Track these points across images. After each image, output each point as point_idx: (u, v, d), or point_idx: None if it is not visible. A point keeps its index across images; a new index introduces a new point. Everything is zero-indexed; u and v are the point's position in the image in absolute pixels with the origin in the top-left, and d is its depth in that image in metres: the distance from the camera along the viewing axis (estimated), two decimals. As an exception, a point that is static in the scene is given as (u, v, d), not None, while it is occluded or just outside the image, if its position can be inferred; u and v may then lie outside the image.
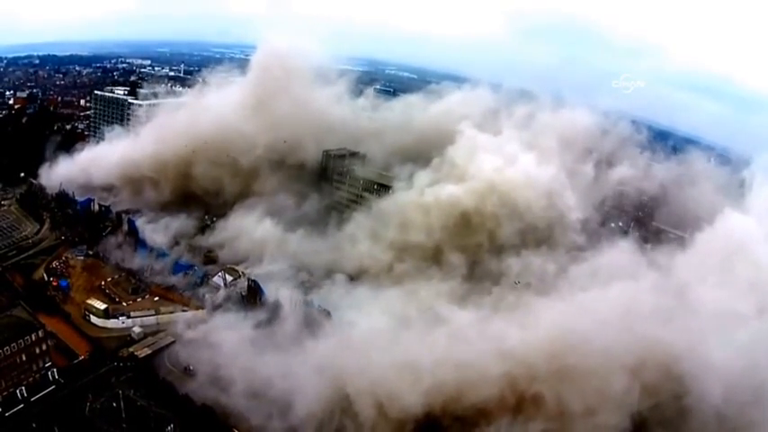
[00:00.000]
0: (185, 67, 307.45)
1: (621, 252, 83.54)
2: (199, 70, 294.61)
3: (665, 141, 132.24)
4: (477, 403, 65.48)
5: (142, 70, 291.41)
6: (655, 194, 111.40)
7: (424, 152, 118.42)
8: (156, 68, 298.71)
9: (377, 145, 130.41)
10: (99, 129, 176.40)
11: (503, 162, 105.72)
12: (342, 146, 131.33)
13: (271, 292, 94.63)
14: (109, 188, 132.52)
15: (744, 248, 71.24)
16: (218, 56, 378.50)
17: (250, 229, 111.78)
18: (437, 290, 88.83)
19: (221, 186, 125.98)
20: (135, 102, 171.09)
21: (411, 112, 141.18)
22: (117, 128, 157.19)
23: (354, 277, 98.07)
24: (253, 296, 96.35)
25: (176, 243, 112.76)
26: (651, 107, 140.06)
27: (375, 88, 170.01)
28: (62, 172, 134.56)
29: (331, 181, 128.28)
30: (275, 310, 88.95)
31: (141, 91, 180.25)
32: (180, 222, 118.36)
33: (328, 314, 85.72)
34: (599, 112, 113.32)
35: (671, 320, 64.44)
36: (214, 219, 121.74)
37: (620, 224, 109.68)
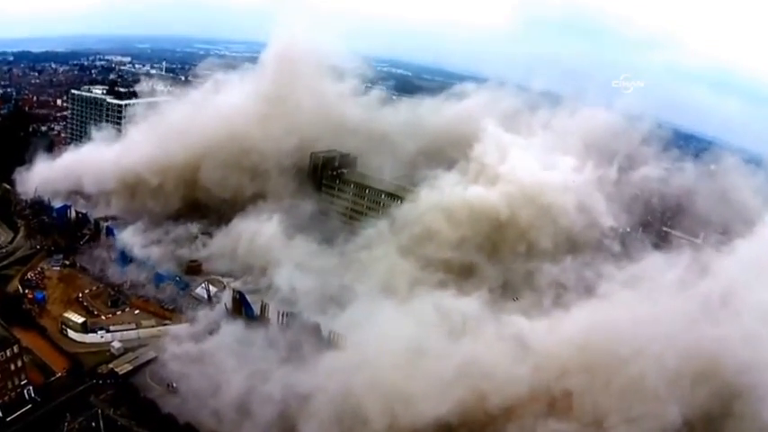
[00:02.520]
0: (167, 65, 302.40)
1: (659, 257, 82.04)
2: (182, 67, 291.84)
3: (689, 144, 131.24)
4: (501, 404, 63.22)
5: (122, 68, 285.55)
6: (671, 199, 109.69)
7: (442, 154, 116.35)
8: (136, 66, 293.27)
9: (392, 147, 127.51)
10: (76, 130, 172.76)
11: (537, 165, 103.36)
12: (357, 148, 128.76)
13: (256, 304, 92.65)
14: (90, 195, 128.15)
15: None
16: (201, 52, 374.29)
17: (254, 238, 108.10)
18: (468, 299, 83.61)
19: (233, 192, 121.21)
20: (114, 101, 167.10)
21: (424, 112, 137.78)
22: (103, 129, 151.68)
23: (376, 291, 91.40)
24: (238, 309, 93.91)
25: (165, 253, 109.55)
26: (672, 108, 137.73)
27: (367, 86, 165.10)
28: (39, 176, 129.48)
29: (320, 186, 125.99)
30: (262, 323, 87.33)
31: (138, 88, 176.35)
32: (176, 232, 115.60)
33: (318, 326, 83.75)
34: (619, 112, 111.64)
35: (715, 323, 62.14)
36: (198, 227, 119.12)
37: (628, 229, 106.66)
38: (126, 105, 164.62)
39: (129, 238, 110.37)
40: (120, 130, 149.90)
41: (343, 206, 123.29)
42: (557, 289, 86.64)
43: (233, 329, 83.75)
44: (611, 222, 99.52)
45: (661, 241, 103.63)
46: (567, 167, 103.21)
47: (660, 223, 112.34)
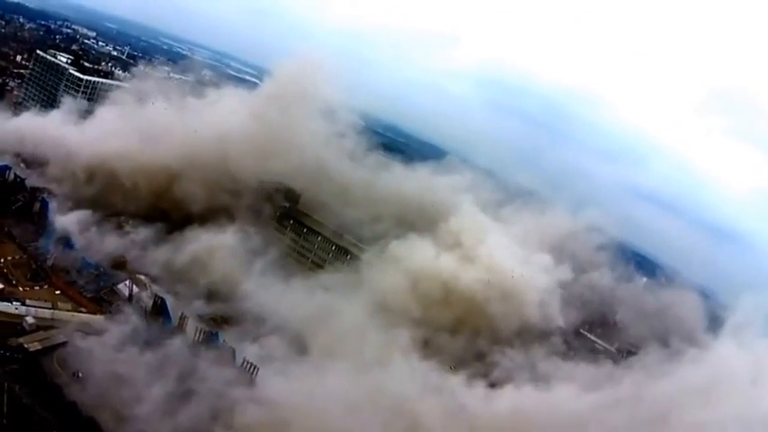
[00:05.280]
0: (129, 51, 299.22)
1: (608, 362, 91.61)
2: (142, 57, 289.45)
3: (631, 260, 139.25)
4: None
5: (86, 41, 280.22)
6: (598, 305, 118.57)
7: (404, 220, 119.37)
8: (100, 43, 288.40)
9: (354, 200, 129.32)
10: (31, 92, 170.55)
11: (515, 257, 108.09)
12: (330, 193, 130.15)
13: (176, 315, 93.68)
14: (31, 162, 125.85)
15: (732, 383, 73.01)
16: (165, 47, 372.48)
17: (204, 252, 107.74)
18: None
19: (202, 207, 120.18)
20: (76, 74, 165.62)
21: (395, 175, 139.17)
22: (65, 100, 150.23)
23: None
24: (156, 314, 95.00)
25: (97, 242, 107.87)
26: (624, 225, 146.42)
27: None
28: None
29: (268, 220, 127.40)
30: (179, 335, 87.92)
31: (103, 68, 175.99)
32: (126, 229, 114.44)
33: (233, 352, 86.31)
34: (581, 220, 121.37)
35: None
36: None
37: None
38: (88, 81, 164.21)
39: (70, 219, 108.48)
40: (88, 109, 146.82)
41: (291, 246, 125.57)
42: (503, 369, 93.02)
43: (149, 335, 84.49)
44: (560, 322, 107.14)
45: (576, 342, 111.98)
46: (541, 265, 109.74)
47: (577, 325, 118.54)
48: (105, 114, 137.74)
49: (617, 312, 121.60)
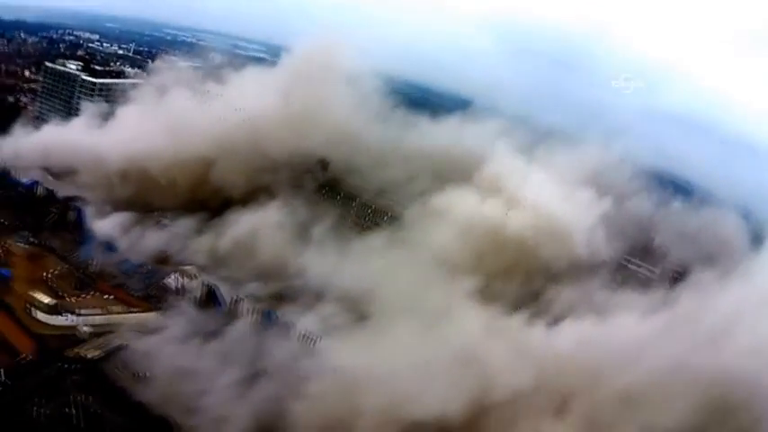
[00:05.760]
0: (135, 47, 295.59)
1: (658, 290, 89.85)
2: (149, 51, 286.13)
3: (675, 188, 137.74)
4: (503, 400, 65.17)
5: (90, 45, 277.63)
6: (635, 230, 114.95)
7: (443, 173, 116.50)
8: (104, 44, 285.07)
9: (394, 160, 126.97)
10: (46, 104, 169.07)
11: (558, 195, 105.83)
12: (363, 159, 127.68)
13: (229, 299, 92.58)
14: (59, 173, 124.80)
15: None
16: (168, 38, 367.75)
17: (247, 233, 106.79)
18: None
19: (240, 191, 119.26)
20: (88, 78, 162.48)
21: (421, 130, 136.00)
22: (84, 107, 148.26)
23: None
24: (208, 302, 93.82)
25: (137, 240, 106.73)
26: (650, 149, 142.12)
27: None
28: (9, 150, 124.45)
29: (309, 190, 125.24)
30: (234, 319, 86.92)
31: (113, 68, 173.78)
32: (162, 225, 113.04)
33: (291, 327, 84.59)
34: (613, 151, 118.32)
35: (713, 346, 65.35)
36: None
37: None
38: (102, 84, 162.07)
39: (107, 223, 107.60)
40: (108, 112, 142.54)
41: (333, 214, 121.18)
42: (559, 307, 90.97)
43: (205, 323, 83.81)
44: (607, 254, 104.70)
45: (623, 271, 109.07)
46: (584, 201, 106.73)
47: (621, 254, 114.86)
48: (128, 114, 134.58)
49: (658, 237, 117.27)
